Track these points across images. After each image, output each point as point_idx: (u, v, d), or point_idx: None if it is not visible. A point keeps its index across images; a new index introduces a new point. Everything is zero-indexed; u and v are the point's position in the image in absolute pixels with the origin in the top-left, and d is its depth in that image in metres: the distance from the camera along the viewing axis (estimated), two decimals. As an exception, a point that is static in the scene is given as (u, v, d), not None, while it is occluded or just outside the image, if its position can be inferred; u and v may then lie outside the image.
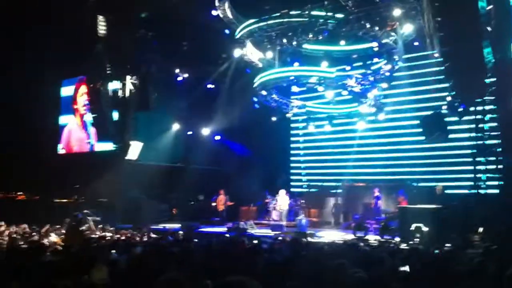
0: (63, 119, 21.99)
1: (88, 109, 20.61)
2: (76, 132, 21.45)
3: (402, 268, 5.34)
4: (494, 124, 12.48)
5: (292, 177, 20.03)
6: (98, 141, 20.00)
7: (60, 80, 22.36)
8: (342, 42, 14.59)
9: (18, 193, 19.41)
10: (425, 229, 11.61)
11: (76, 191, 18.04)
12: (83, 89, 21.25)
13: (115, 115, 18.08)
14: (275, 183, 17.88)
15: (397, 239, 12.03)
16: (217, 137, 20.01)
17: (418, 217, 12.05)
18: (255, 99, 17.22)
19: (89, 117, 20.48)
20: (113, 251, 7.10)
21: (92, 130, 20.57)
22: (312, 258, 5.90)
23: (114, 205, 16.89)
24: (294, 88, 17.26)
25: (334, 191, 17.90)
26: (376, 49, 14.22)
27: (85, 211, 16.73)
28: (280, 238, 11.05)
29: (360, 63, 15.34)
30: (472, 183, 12.91)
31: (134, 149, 17.89)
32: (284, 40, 14.79)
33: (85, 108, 21.03)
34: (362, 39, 14.66)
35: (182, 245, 8.28)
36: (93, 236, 11.53)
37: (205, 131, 19.98)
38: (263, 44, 15.86)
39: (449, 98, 12.65)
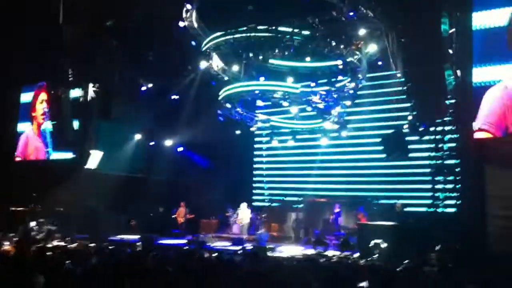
0: (20, 126, 21.46)
1: (47, 117, 20.21)
2: (33, 141, 20.99)
3: (361, 284, 5.37)
4: (453, 144, 12.74)
5: (254, 191, 19.99)
6: (57, 151, 19.61)
7: (19, 86, 21.88)
8: (308, 59, 14.70)
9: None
10: (383, 245, 11.74)
11: (33, 199, 17.53)
12: (43, 96, 20.88)
13: (76, 124, 17.80)
14: (237, 197, 17.81)
15: (356, 255, 12.11)
16: (180, 149, 19.83)
17: (377, 234, 12.21)
18: (220, 112, 17.16)
19: (47, 125, 20.09)
20: (68, 261, 6.88)
21: (49, 139, 20.17)
22: (273, 276, 5.84)
23: (71, 214, 16.46)
24: (259, 102, 17.36)
25: (295, 206, 17.96)
26: (340, 67, 14.39)
27: (41, 219, 16.38)
28: (239, 252, 10.99)
29: (325, 80, 15.50)
30: (430, 201, 13.12)
31: (94, 158, 17.57)
32: (250, 55, 14.79)
33: (44, 116, 20.61)
34: (327, 56, 14.80)
35: (139, 256, 8.10)
36: (48, 245, 11.20)
37: (168, 142, 19.79)
38: (229, 58, 15.86)
39: (410, 118, 12.91)
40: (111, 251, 9.96)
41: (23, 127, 21.42)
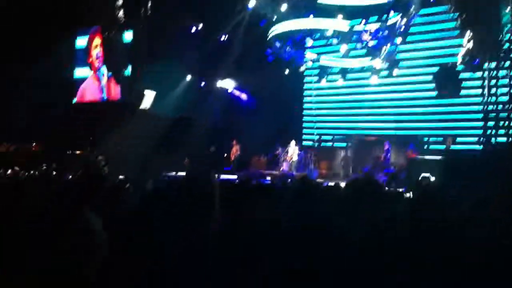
0: (78, 72, 22.03)
1: (102, 61, 20.79)
2: (91, 85, 21.54)
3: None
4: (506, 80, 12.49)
5: (304, 130, 20.19)
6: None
7: (74, 31, 22.32)
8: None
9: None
10: (432, 179, 11.85)
11: (89, 143, 18.30)
12: (97, 40, 21.29)
13: (128, 68, 18.33)
14: (287, 136, 18.06)
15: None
16: (243, 96, 20.00)
17: (426, 168, 12.27)
18: (269, 52, 17.29)
19: (103, 69, 20.69)
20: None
21: (105, 82, 20.74)
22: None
23: (127, 154, 17.16)
24: (308, 41, 17.31)
25: (344, 144, 18.13)
26: (391, 1, 14.15)
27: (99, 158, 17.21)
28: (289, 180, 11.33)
29: (375, 17, 15.28)
30: (481, 137, 13.02)
31: (147, 99, 18.10)
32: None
33: (99, 60, 21.14)
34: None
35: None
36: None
37: (218, 83, 20.09)
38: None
39: (462, 53, 12.69)
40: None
41: (81, 72, 21.97)
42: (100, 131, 18.11)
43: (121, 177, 12.24)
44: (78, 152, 18.62)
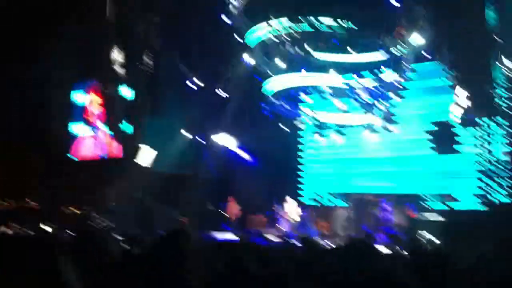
0: (73, 127, 21.95)
1: (99, 117, 20.75)
2: (87, 142, 21.42)
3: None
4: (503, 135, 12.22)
5: (301, 188, 19.82)
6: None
7: (71, 84, 22.30)
8: (351, 51, 14.46)
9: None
10: (436, 241, 11.42)
11: (87, 199, 18.14)
12: (92, 96, 21.30)
13: (126, 125, 18.28)
14: (283, 193, 17.73)
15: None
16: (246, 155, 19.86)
17: (427, 228, 11.90)
18: (265, 107, 17.21)
19: (99, 126, 20.61)
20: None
21: (107, 140, 20.63)
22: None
23: (125, 211, 16.92)
24: (304, 98, 17.18)
25: (344, 203, 17.74)
26: (384, 58, 14.04)
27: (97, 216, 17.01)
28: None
29: (370, 74, 15.17)
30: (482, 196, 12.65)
31: (146, 156, 17.98)
32: (293, 48, 14.76)
33: (95, 117, 21.08)
34: (370, 48, 14.51)
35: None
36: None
37: (215, 138, 19.92)
38: (272, 52, 15.84)
39: (458, 110, 12.45)
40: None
41: (76, 128, 21.88)
42: (99, 188, 17.97)
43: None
44: (74, 209, 18.43)
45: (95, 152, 21.28)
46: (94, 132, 21.26)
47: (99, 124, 21.02)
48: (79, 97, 21.95)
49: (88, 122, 21.49)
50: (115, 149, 20.28)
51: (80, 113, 21.76)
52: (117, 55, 19.31)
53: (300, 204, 17.93)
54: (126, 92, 19.63)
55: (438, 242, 11.52)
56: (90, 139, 21.51)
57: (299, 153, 20.18)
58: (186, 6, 17.01)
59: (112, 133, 20.22)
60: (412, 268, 5.84)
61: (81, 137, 21.68)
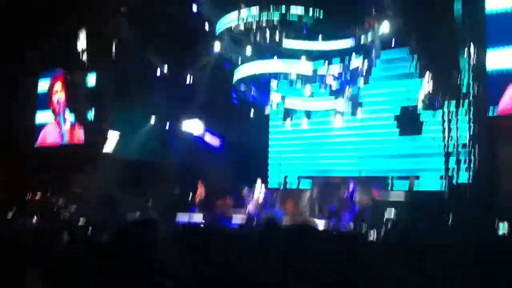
0: (40, 116, 21.62)
1: (64, 106, 20.52)
2: (53, 131, 21.16)
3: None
4: (466, 121, 12.89)
5: (268, 171, 20.19)
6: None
7: (36, 74, 22.07)
8: (321, 39, 14.88)
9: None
10: (395, 219, 11.97)
11: (51, 186, 17.92)
12: (58, 85, 21.06)
13: (91, 113, 18.14)
14: (252, 177, 18.00)
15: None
16: (215, 140, 19.98)
17: (390, 209, 12.42)
18: (234, 94, 17.44)
19: (64, 115, 20.39)
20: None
21: (67, 128, 20.42)
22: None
23: (90, 198, 16.81)
24: (273, 83, 17.53)
25: (309, 185, 18.17)
26: (353, 46, 14.55)
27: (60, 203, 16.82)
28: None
29: (338, 60, 15.64)
30: (443, 178, 13.29)
31: (111, 141, 17.90)
32: (263, 36, 15.02)
33: (59, 105, 20.84)
34: (340, 36, 14.98)
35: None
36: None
37: (183, 125, 20.02)
38: (242, 40, 16.07)
39: (423, 94, 13.07)
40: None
41: (43, 117, 21.54)
42: (62, 175, 17.77)
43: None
44: (39, 196, 18.15)
45: (57, 140, 21.04)
46: (58, 119, 21.03)
47: (63, 112, 20.81)
48: (45, 85, 21.69)
49: (53, 111, 21.24)
50: (77, 136, 20.11)
51: (45, 102, 21.50)
52: (82, 43, 19.17)
53: (267, 187, 18.26)
54: (91, 79, 19.53)
55: (400, 220, 12.11)
56: (52, 127, 21.26)
57: (268, 139, 20.50)
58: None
59: (74, 121, 20.05)
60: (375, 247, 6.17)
61: (46, 126, 21.42)
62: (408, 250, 4.61)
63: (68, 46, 19.13)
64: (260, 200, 17.05)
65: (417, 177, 14.88)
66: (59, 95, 20.73)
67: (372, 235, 11.25)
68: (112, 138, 18.25)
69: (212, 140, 20.16)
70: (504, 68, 11.87)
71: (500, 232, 9.37)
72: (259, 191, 17.12)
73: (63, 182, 17.84)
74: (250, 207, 17.23)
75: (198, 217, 15.77)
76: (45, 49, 19.22)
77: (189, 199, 18.33)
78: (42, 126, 21.46)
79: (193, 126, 20.08)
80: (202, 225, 13.36)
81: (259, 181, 17.21)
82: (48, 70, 21.57)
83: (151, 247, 3.98)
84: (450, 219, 11.23)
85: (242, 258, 4.09)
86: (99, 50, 18.79)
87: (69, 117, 20.27)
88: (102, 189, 17.43)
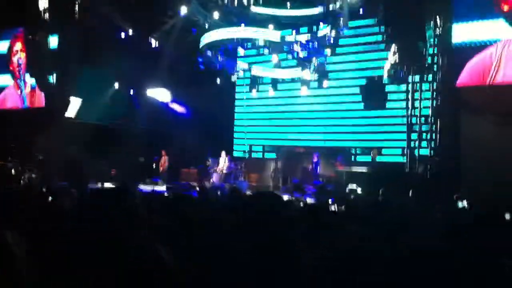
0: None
1: (24, 68, 19.79)
2: (13, 94, 20.45)
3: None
4: (429, 92, 12.85)
5: (234, 141, 20.03)
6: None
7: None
8: (289, 5, 14.55)
9: None
10: (359, 190, 11.95)
11: (12, 151, 17.40)
12: (18, 45, 20.27)
13: (53, 76, 17.52)
14: (217, 147, 17.81)
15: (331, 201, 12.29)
16: (181, 108, 19.62)
17: (353, 180, 12.41)
18: (200, 60, 17.07)
19: (26, 78, 19.69)
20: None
21: (28, 91, 19.78)
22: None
23: (51, 163, 16.40)
24: (240, 51, 17.20)
25: (274, 155, 18.08)
26: (321, 13, 14.27)
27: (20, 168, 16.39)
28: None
29: (306, 28, 15.37)
30: (405, 149, 13.30)
31: (73, 106, 17.42)
32: (231, 1, 14.62)
33: (19, 68, 20.12)
34: (309, 3, 14.68)
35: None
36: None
37: (148, 91, 19.59)
38: (210, 4, 15.64)
39: (388, 65, 12.93)
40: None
41: (2, 80, 20.76)
42: (23, 140, 17.27)
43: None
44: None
45: (16, 104, 20.38)
46: (18, 82, 20.31)
47: (23, 74, 20.09)
48: (4, 46, 20.85)
49: (12, 73, 20.49)
50: (37, 99, 19.49)
51: (5, 64, 20.71)
52: (44, 2, 18.39)
53: (232, 157, 18.12)
54: (53, 41, 18.82)
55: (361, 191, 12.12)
56: (11, 90, 20.56)
57: (233, 107, 20.26)
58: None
59: (35, 84, 19.37)
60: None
61: (6, 89, 20.68)
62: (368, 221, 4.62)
63: (30, 3, 18.37)
64: (225, 170, 16.90)
65: (380, 150, 14.87)
66: (19, 55, 19.93)
67: (334, 207, 11.19)
68: (75, 104, 17.71)
69: (177, 107, 19.82)
70: (470, 41, 11.76)
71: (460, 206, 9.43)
72: (223, 161, 16.96)
73: (24, 147, 17.35)
74: (214, 177, 17.09)
75: (161, 188, 15.55)
76: (4, 7, 18.43)
77: (153, 167, 18.06)
78: (1, 89, 20.74)
79: (160, 94, 19.68)
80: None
81: (223, 152, 17.04)
82: (7, 29, 20.74)
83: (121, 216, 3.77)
84: (411, 192, 11.24)
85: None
86: (62, 9, 18.08)
87: (30, 80, 19.56)
88: (64, 155, 17.04)
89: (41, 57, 18.09)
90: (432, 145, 12.60)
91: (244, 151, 19.31)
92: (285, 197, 13.18)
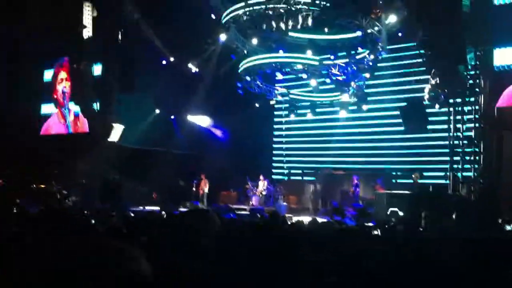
0: (45, 108, 21.47)
1: (68, 97, 20.38)
2: (57, 123, 20.98)
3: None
4: (471, 116, 12.74)
5: (273, 164, 20.15)
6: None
7: (42, 62, 21.89)
8: (326, 31, 14.66)
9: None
10: (400, 213, 11.85)
11: (56, 175, 17.89)
12: (63, 74, 20.88)
13: (98, 100, 18.08)
14: (257, 169, 17.96)
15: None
16: (219, 132, 19.95)
17: (394, 203, 12.29)
18: (239, 85, 17.34)
19: (69, 106, 20.26)
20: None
21: (72, 119, 20.29)
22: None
23: (93, 186, 16.81)
24: (278, 76, 17.43)
25: (313, 178, 18.09)
26: (359, 37, 14.36)
27: (64, 191, 16.85)
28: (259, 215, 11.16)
29: (344, 53, 15.48)
30: (448, 172, 13.15)
31: (116, 132, 17.86)
32: (270, 26, 14.82)
33: (65, 96, 20.66)
34: (346, 28, 14.79)
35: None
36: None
37: (189, 117, 19.97)
38: (248, 30, 15.91)
39: (429, 88, 12.89)
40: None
41: (47, 108, 21.36)
42: (67, 165, 17.75)
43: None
44: (42, 185, 18.12)
45: (60, 130, 20.94)
46: (62, 111, 20.92)
47: (67, 101, 20.69)
48: (49, 74, 21.57)
49: (56, 101, 21.11)
50: (81, 126, 20.02)
51: (50, 91, 21.35)
52: (88, 31, 19.09)
53: (271, 179, 18.21)
54: (96, 68, 19.43)
55: (404, 214, 12.00)
56: (56, 117, 21.15)
57: (272, 131, 20.43)
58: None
59: (79, 111, 19.94)
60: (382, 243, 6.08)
61: (50, 118, 21.31)
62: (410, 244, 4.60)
63: (74, 32, 19.06)
64: (264, 193, 17.00)
65: (421, 172, 14.71)
66: (64, 84, 20.55)
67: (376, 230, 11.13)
68: (117, 129, 18.19)
69: (217, 131, 20.12)
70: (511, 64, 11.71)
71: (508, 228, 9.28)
72: (263, 184, 17.07)
73: (67, 172, 17.83)
74: (254, 200, 17.19)
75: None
76: (51, 37, 19.15)
77: (193, 190, 18.28)
78: (47, 117, 21.33)
79: (199, 119, 20.04)
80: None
81: (262, 175, 17.17)
82: (53, 58, 21.43)
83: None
84: (455, 215, 11.12)
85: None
86: (105, 38, 18.70)
87: (74, 107, 20.12)
88: (106, 179, 17.46)
89: (85, 85, 18.71)
90: (476, 167, 12.42)
91: (283, 174, 19.40)
92: (323, 220, 13.22)
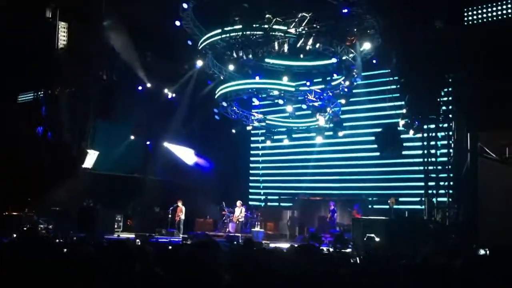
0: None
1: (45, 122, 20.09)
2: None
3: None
4: (445, 141, 12.91)
5: (250, 190, 20.07)
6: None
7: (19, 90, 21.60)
8: (302, 57, 14.81)
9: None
10: (377, 239, 11.83)
11: (28, 202, 17.50)
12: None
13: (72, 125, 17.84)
14: (233, 196, 17.84)
15: (349, 250, 12.16)
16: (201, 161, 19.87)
17: (371, 228, 12.30)
18: (216, 111, 17.33)
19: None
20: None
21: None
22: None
23: (67, 213, 16.48)
24: (255, 101, 17.49)
25: (290, 204, 18.04)
26: (335, 63, 14.53)
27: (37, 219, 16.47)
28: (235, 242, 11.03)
29: (320, 79, 15.63)
30: (422, 197, 13.24)
31: (90, 158, 17.63)
32: (246, 53, 14.89)
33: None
34: (322, 55, 14.97)
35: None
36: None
37: (165, 142, 19.84)
38: (225, 57, 15.98)
39: (403, 114, 13.04)
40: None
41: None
42: (39, 192, 17.39)
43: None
44: (15, 213, 17.70)
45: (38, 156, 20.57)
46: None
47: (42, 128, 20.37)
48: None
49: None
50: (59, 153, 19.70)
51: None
52: (63, 57, 18.93)
53: (248, 206, 18.09)
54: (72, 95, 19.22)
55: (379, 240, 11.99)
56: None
57: (249, 157, 20.40)
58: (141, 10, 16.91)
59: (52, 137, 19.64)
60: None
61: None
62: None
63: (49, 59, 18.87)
64: (241, 219, 16.85)
65: (397, 198, 14.81)
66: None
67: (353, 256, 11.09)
68: (92, 155, 17.94)
69: (193, 158, 20.00)
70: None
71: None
72: (239, 210, 16.94)
73: (40, 199, 17.46)
74: (230, 227, 17.02)
75: (177, 238, 15.54)
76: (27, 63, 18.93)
77: (169, 217, 18.03)
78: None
79: (174, 144, 19.92)
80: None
81: (239, 201, 17.05)
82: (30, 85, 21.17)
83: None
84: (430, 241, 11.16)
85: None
86: (83, 64, 18.57)
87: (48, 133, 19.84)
88: (80, 206, 17.17)
89: (61, 112, 18.45)
90: (450, 192, 12.54)
91: (260, 200, 19.32)
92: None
